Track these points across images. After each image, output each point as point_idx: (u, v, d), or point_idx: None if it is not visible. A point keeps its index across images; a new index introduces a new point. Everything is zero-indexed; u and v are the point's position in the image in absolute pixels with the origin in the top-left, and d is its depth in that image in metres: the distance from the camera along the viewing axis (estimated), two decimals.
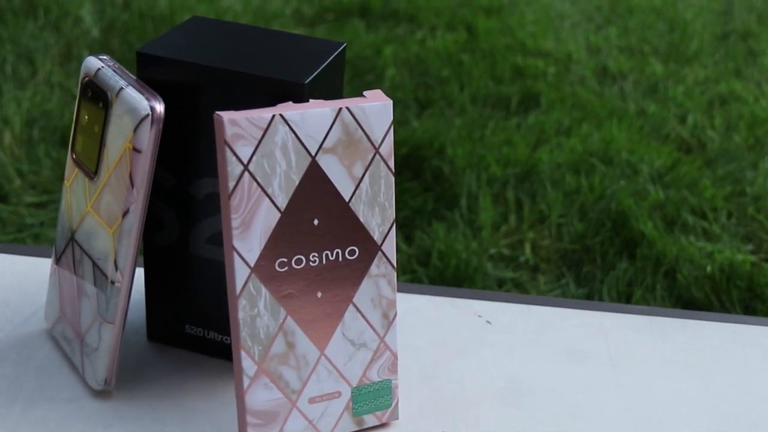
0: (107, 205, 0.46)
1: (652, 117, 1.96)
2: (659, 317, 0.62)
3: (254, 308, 0.43)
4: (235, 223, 0.42)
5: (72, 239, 0.49)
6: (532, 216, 1.41)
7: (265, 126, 0.41)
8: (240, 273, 0.42)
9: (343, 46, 0.48)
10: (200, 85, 0.45)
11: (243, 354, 0.43)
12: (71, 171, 0.49)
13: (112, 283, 0.46)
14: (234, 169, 0.41)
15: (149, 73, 0.45)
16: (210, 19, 0.50)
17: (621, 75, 2.27)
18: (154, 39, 0.47)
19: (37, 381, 0.50)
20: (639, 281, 1.27)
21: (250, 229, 0.42)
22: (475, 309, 0.61)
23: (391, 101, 0.44)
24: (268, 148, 0.41)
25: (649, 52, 2.51)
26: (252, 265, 0.42)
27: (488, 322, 0.60)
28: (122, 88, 0.44)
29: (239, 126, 0.41)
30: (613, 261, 1.31)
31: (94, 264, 0.47)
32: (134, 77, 0.45)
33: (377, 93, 0.45)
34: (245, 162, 0.41)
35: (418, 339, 0.56)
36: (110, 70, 0.46)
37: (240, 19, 2.24)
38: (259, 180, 0.41)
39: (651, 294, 1.24)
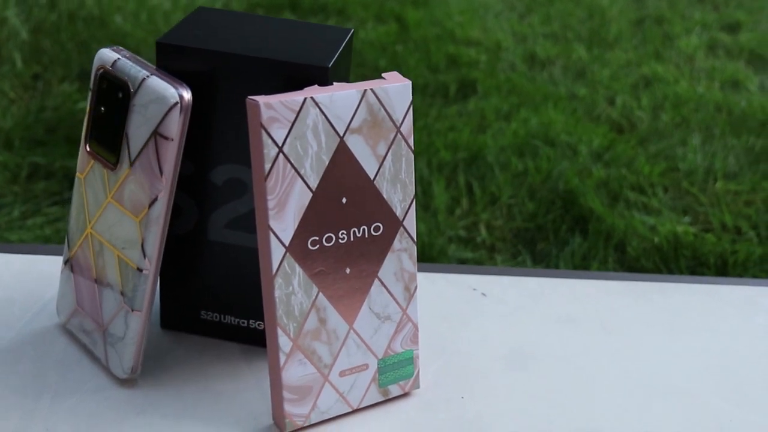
0: (132, 194, 0.46)
1: (583, 100, 2.03)
2: (638, 282, 0.66)
3: (289, 286, 0.44)
4: (271, 204, 0.43)
5: (89, 231, 0.49)
6: (484, 198, 1.45)
7: (297, 108, 0.42)
8: (276, 252, 0.44)
9: (352, 32, 0.50)
10: (222, 72, 0.46)
11: (279, 331, 0.45)
12: (86, 163, 0.49)
13: (140, 270, 0.47)
14: (270, 151, 0.42)
15: (169, 62, 0.46)
16: (216, 9, 0.51)
17: (549, 61, 2.34)
18: (168, 31, 0.47)
19: (59, 374, 0.50)
20: (592, 255, 1.33)
21: (284, 209, 0.43)
22: (469, 283, 0.63)
23: (410, 82, 0.46)
24: (301, 130, 0.43)
25: (572, 38, 2.59)
26: (287, 245, 0.44)
27: (483, 294, 0.62)
28: (146, 77, 0.45)
29: (274, 109, 0.42)
30: (565, 237, 1.36)
31: (118, 253, 0.48)
32: (154, 67, 0.46)
33: (395, 75, 0.47)
34: (280, 144, 0.42)
35: (422, 314, 0.59)
36: (128, 60, 0.46)
37: (171, 15, 2.21)
38: (292, 161, 0.43)
39: (604, 266, 1.29)
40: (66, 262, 0.52)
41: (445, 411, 0.50)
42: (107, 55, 0.47)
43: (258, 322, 0.52)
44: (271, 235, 0.43)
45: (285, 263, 0.44)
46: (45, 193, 1.42)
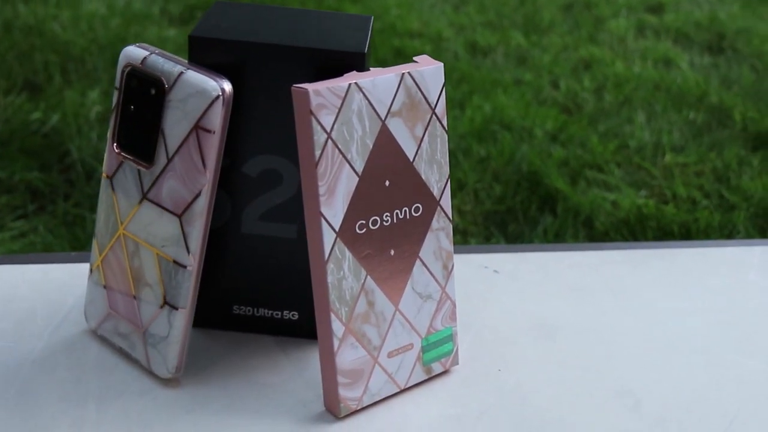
0: (171, 191, 0.46)
1: (529, 85, 2.08)
2: (634, 250, 0.68)
3: (340, 271, 0.45)
4: (321, 191, 0.43)
5: (121, 232, 0.49)
6: (451, 184, 1.47)
7: (343, 94, 0.43)
8: (327, 238, 0.44)
9: (372, 18, 0.51)
10: (257, 63, 0.46)
11: (332, 317, 0.45)
12: (115, 163, 0.48)
13: (183, 267, 0.46)
14: (320, 138, 0.42)
15: (203, 56, 0.46)
16: (233, 3, 0.51)
17: (490, 49, 2.38)
18: (196, 25, 0.47)
19: (99, 380, 0.49)
20: (563, 232, 1.36)
21: (334, 195, 0.44)
22: (479, 261, 0.65)
23: (442, 64, 0.47)
24: (347, 115, 0.43)
25: (508, 25, 2.63)
26: (337, 230, 0.44)
27: (495, 271, 0.64)
28: (182, 71, 0.45)
29: (322, 96, 0.42)
30: (535, 216, 1.39)
31: (157, 252, 0.47)
32: (186, 61, 0.46)
33: (426, 58, 0.47)
34: (328, 130, 0.43)
35: None
36: (159, 57, 0.46)
37: (109, 21, 2.17)
38: (340, 147, 0.43)
39: (576, 242, 1.33)
40: (93, 267, 0.51)
41: (485, 383, 0.51)
42: (135, 52, 0.47)
43: (292, 313, 0.53)
44: (323, 221, 0.44)
45: (336, 248, 0.44)
46: (7, 207, 1.38)
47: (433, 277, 0.49)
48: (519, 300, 0.60)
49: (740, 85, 2.21)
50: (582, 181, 1.53)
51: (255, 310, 0.53)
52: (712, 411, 0.51)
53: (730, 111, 2.00)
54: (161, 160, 0.46)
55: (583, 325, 0.58)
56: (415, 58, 0.47)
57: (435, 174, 0.48)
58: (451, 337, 0.51)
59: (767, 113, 1.97)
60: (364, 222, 0.45)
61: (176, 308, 0.47)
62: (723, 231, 1.39)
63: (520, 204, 1.43)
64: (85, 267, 0.59)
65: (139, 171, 0.47)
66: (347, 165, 0.44)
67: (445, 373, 0.52)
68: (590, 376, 0.53)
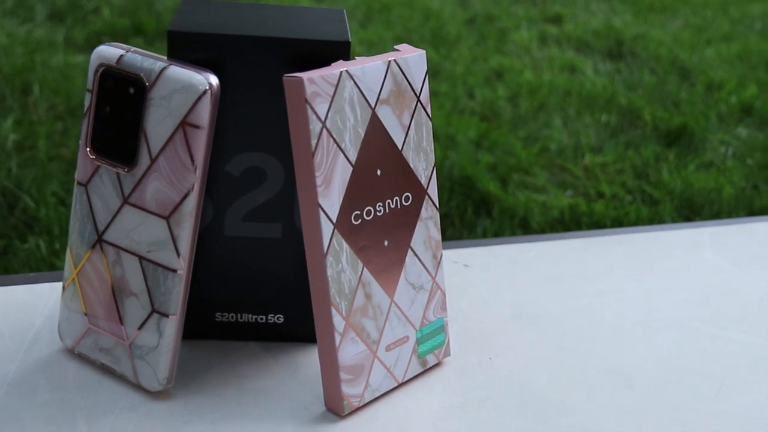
0: (157, 193, 0.44)
1: (446, 96, 2.11)
2: (594, 237, 0.70)
3: (339, 264, 0.44)
4: (318, 181, 0.42)
5: (100, 241, 0.47)
6: None
7: (335, 82, 0.42)
8: (326, 230, 0.43)
9: (345, 11, 0.50)
10: (239, 57, 0.45)
11: (333, 311, 0.44)
12: (89, 169, 0.46)
13: (173, 271, 0.45)
14: (315, 126, 0.42)
15: (183, 52, 0.44)
16: (202, 0, 0.50)
17: None
18: (172, 21, 0.46)
19: (85, 399, 0.47)
20: (501, 234, 1.38)
21: (330, 185, 0.43)
22: (448, 257, 0.65)
23: (424, 51, 0.47)
24: (339, 103, 0.43)
25: (417, 40, 2.67)
26: (334, 221, 0.43)
27: (466, 265, 0.64)
28: (164, 68, 0.43)
29: (316, 84, 0.41)
30: (472, 220, 1.41)
31: (142, 258, 0.45)
32: (165, 57, 0.44)
33: (407, 46, 0.47)
34: (323, 119, 0.42)
35: None
36: (136, 54, 0.44)
37: (11, 50, 2.09)
38: (334, 136, 0.43)
39: None
40: (67, 283, 0.49)
41: (480, 372, 0.51)
42: (109, 51, 0.45)
43: (278, 316, 0.51)
44: (321, 212, 0.43)
45: (334, 240, 0.44)
46: None
47: (424, 267, 0.49)
48: (495, 291, 0.60)
49: (643, 88, 2.30)
50: (511, 184, 1.57)
51: (239, 315, 0.51)
52: (700, 380, 0.52)
53: (639, 112, 2.08)
54: (143, 161, 0.44)
55: (562, 310, 0.58)
56: (396, 47, 0.47)
57: (422, 162, 0.48)
58: (442, 328, 0.51)
59: (675, 112, 2.06)
60: (359, 212, 0.45)
61: (166, 315, 0.45)
62: (653, 223, 1.44)
63: (455, 209, 1.45)
64: (46, 286, 0.56)
65: (118, 175, 0.45)
66: (342, 154, 0.43)
67: (438, 365, 0.52)
68: (579, 358, 0.53)
